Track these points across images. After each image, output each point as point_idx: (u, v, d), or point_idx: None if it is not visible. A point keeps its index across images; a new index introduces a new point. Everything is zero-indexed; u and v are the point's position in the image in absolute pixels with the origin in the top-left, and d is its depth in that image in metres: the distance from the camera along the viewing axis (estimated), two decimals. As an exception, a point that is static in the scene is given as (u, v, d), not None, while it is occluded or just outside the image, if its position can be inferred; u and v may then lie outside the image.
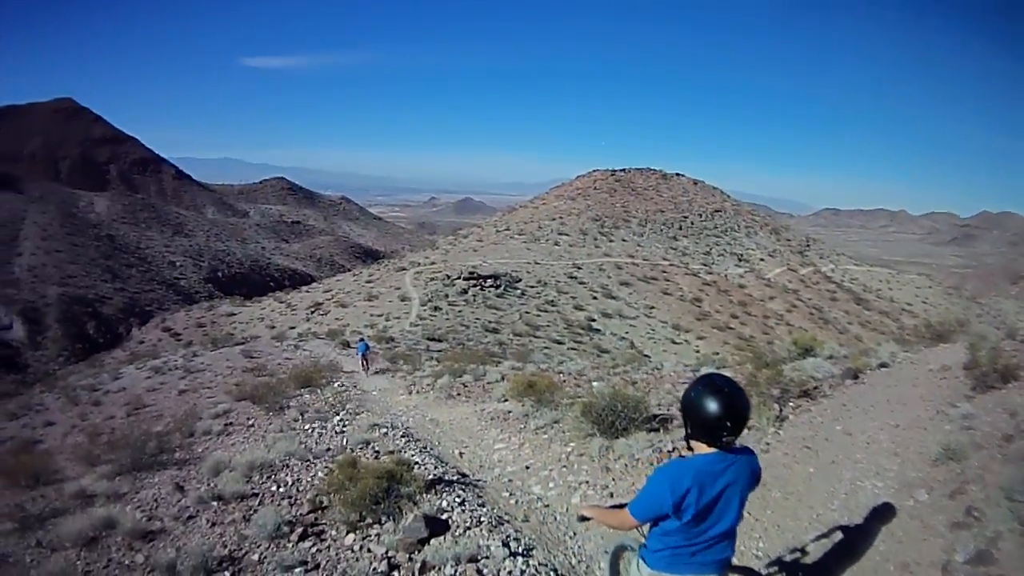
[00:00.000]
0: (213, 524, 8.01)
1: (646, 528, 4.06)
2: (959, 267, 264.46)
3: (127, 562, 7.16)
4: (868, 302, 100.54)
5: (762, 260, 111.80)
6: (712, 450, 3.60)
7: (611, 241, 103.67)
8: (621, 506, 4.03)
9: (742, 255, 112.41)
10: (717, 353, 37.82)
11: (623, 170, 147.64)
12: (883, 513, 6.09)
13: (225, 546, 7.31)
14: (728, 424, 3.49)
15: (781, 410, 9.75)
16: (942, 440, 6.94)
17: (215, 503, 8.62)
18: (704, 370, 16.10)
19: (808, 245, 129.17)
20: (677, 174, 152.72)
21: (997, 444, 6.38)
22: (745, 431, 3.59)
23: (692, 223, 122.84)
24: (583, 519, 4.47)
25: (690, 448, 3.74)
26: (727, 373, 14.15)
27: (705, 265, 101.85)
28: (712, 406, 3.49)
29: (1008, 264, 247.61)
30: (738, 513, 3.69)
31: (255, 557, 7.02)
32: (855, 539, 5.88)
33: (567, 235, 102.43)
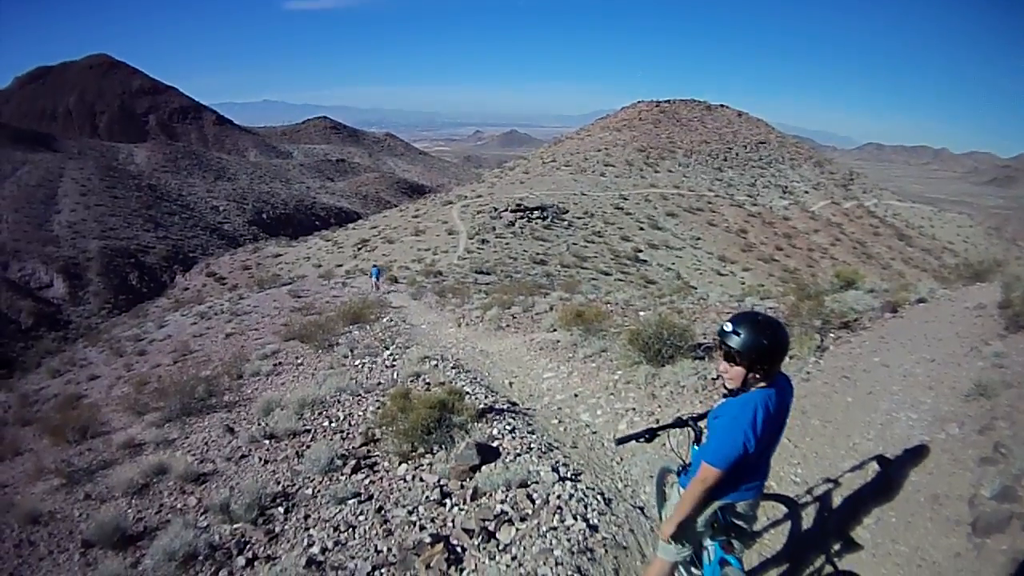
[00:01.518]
0: (266, 462, 8.19)
1: (684, 451, 4.25)
2: (1000, 208, 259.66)
3: (179, 505, 7.33)
4: (911, 238, 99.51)
5: (806, 193, 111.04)
6: (761, 384, 3.68)
7: (656, 172, 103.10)
8: (683, 469, 4.26)
9: (786, 187, 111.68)
10: (762, 285, 37.53)
11: (667, 101, 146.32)
12: (916, 445, 6.13)
13: (278, 483, 7.47)
14: (777, 358, 3.61)
15: (822, 340, 9.86)
16: (975, 377, 6.98)
17: (267, 441, 8.80)
18: (748, 301, 16.46)
19: (852, 179, 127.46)
20: (722, 105, 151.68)
21: (1026, 383, 6.40)
22: (787, 359, 3.65)
23: (737, 155, 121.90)
24: (622, 441, 4.44)
25: (733, 391, 3.76)
26: (771, 304, 14.61)
27: (750, 197, 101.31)
28: (778, 344, 3.59)
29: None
30: (779, 440, 3.82)
31: (308, 492, 7.17)
32: (888, 470, 5.96)
33: (613, 166, 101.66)
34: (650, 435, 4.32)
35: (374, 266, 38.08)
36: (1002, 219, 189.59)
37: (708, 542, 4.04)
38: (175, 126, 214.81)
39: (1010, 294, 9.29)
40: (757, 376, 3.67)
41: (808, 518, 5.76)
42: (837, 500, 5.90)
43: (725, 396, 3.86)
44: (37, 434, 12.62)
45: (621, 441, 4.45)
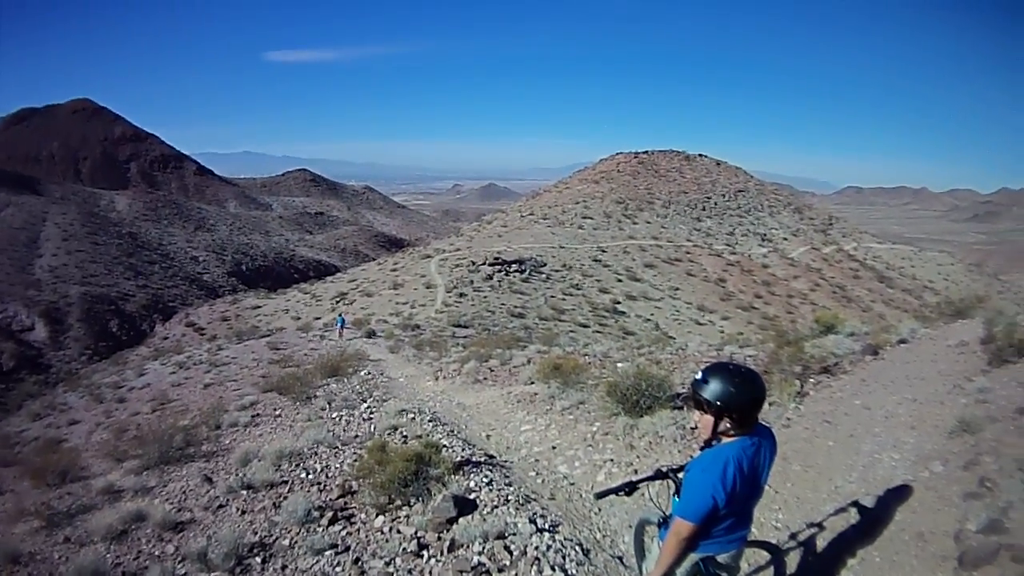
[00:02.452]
0: (243, 512, 8.13)
1: (663, 502, 4.21)
2: (981, 244, 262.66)
3: (157, 553, 7.27)
4: (891, 280, 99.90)
5: (785, 239, 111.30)
6: (738, 436, 3.67)
7: (635, 223, 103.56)
8: (665, 521, 4.26)
9: (765, 235, 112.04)
10: (741, 333, 37.79)
11: (646, 152, 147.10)
12: (900, 485, 6.16)
13: (256, 533, 7.41)
14: (750, 409, 3.61)
15: (802, 386, 9.88)
16: (958, 413, 7.02)
17: (244, 492, 8.74)
18: (728, 349, 16.32)
19: (831, 224, 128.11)
20: (700, 155, 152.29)
21: (1011, 417, 6.46)
22: (767, 406, 3.65)
23: (716, 204, 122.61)
24: (601, 495, 4.43)
25: (712, 441, 3.77)
26: (750, 352, 14.52)
27: (729, 245, 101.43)
28: (749, 392, 3.60)
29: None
30: (762, 493, 3.81)
31: (286, 542, 7.13)
32: (872, 510, 5.97)
33: (591, 218, 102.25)
34: (629, 488, 4.34)
35: (340, 316, 40.73)
36: (983, 254, 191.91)
37: None
38: (156, 174, 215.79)
39: (992, 329, 9.39)
40: (728, 426, 3.67)
41: (792, 563, 5.76)
42: (820, 543, 5.93)
43: (702, 448, 3.85)
44: (18, 476, 12.55)
45: (600, 495, 4.44)
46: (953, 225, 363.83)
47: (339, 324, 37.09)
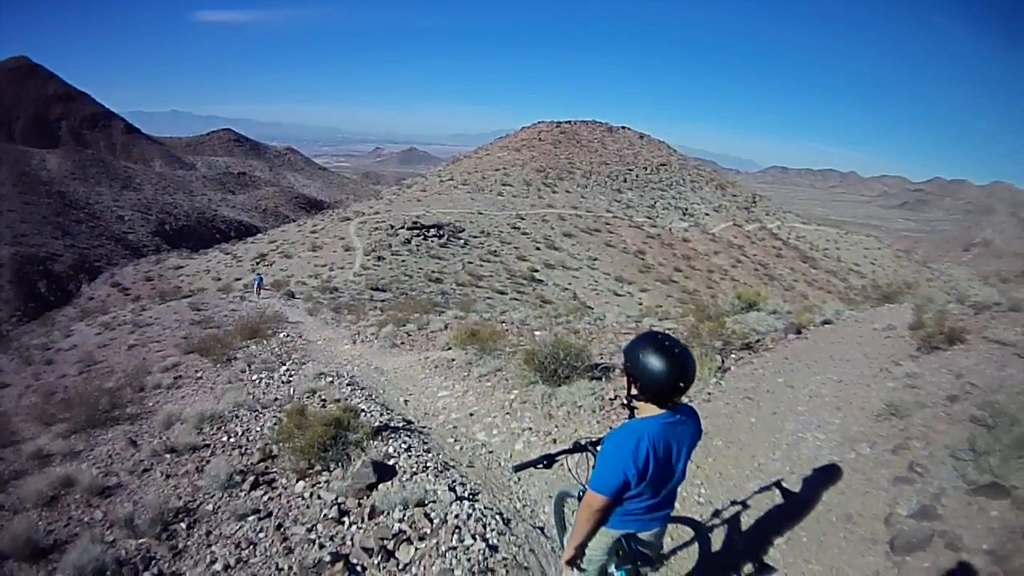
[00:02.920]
0: (167, 476, 8.11)
1: (582, 475, 4.17)
2: (910, 231, 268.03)
3: (87, 519, 7.18)
4: (815, 260, 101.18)
5: (707, 215, 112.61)
6: (659, 411, 3.56)
7: (555, 192, 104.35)
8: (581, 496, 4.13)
9: (687, 209, 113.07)
10: (660, 306, 37.99)
11: (568, 122, 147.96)
12: (825, 465, 6.26)
13: (180, 498, 7.39)
14: (680, 384, 3.43)
15: (723, 361, 9.96)
16: (885, 397, 7.12)
17: (168, 456, 8.71)
18: (647, 322, 16.43)
19: (754, 202, 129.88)
20: (623, 127, 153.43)
21: (942, 403, 6.55)
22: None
23: (637, 176, 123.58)
24: (519, 468, 4.32)
25: (631, 408, 3.72)
26: (670, 325, 14.49)
27: (649, 218, 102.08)
28: (663, 367, 3.41)
29: (961, 232, 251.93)
30: (684, 470, 3.73)
31: (209, 507, 7.11)
32: (798, 490, 6.07)
33: (511, 186, 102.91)
34: (548, 461, 4.25)
35: (258, 275, 41.50)
36: (912, 242, 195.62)
37: (613, 570, 4.05)
38: (85, 133, 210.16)
39: (922, 315, 9.51)
40: (636, 393, 3.62)
41: (717, 540, 5.79)
42: (746, 521, 5.98)
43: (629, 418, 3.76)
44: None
45: (519, 468, 4.36)
46: (881, 211, 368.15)
47: (256, 283, 38.13)
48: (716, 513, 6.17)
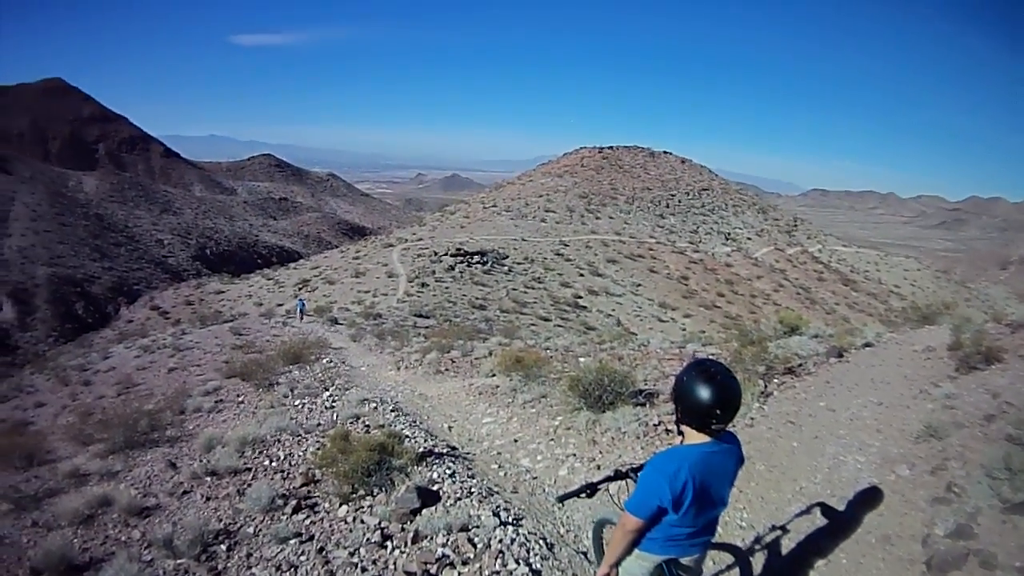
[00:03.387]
0: (208, 499, 8.12)
1: (623, 502, 4.18)
2: (948, 251, 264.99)
3: (124, 538, 7.23)
4: (856, 283, 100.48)
5: (749, 239, 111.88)
6: (703, 438, 3.61)
7: (598, 219, 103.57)
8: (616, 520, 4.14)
9: (729, 234, 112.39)
10: (703, 331, 37.93)
11: (610, 148, 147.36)
12: (865, 487, 6.18)
13: (220, 520, 7.41)
14: (719, 412, 3.48)
15: (766, 386, 9.87)
16: (924, 418, 7.02)
17: (209, 478, 8.72)
18: (690, 347, 16.24)
19: (796, 225, 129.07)
20: (665, 152, 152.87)
21: (979, 423, 6.47)
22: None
23: (679, 201, 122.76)
24: (563, 498, 4.43)
25: (680, 432, 3.75)
26: (713, 350, 14.34)
27: (692, 244, 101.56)
28: (704, 393, 3.47)
29: (997, 249, 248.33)
30: (727, 499, 3.77)
31: (250, 530, 7.13)
32: (837, 512, 5.99)
33: (554, 212, 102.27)
34: (591, 490, 4.31)
35: (300, 300, 42.03)
36: (951, 262, 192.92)
37: None
38: (123, 156, 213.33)
39: (960, 336, 9.37)
40: (678, 418, 3.69)
41: (757, 564, 5.76)
42: (786, 544, 5.92)
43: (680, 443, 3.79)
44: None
45: (563, 498, 4.43)
46: (920, 231, 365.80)
47: (299, 307, 38.47)
48: (757, 539, 6.11)
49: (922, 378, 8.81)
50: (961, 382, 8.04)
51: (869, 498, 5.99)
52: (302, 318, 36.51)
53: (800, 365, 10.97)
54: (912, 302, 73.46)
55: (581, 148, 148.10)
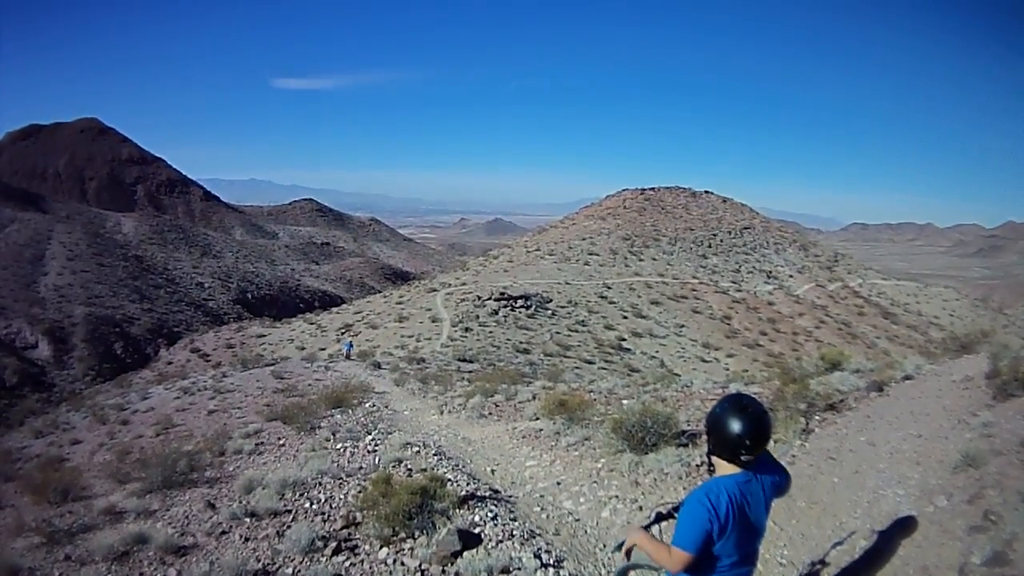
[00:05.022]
0: (246, 539, 8.13)
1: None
2: (986, 278, 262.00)
3: (159, 575, 7.29)
4: (896, 316, 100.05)
5: (791, 276, 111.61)
6: (734, 469, 3.67)
7: (641, 260, 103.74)
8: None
9: (771, 272, 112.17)
10: (746, 370, 37.77)
11: (652, 189, 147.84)
12: (904, 519, 6.14)
13: (259, 560, 7.42)
14: (748, 443, 3.55)
15: (807, 423, 9.82)
16: (962, 448, 6.95)
17: (248, 519, 8.74)
18: (733, 387, 16.17)
19: (836, 260, 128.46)
20: (706, 192, 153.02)
21: (1015, 450, 6.41)
22: (771, 443, 3.61)
23: (721, 240, 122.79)
24: (620, 547, 4.30)
25: (711, 465, 3.80)
26: (755, 389, 14.28)
27: (735, 283, 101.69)
28: (732, 424, 3.56)
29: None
30: (764, 526, 3.78)
31: (289, 571, 7.13)
32: (876, 545, 5.96)
33: (597, 255, 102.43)
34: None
35: (348, 342, 47.34)
36: (988, 289, 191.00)
37: None
38: (162, 198, 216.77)
39: (997, 363, 9.26)
40: (710, 449, 3.76)
41: None
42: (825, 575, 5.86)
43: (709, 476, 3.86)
44: (18, 491, 12.67)
45: (619, 547, 4.32)
46: (958, 260, 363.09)
47: (347, 349, 42.37)
48: (798, 573, 6.12)
49: (960, 408, 8.75)
50: (999, 410, 7.99)
51: (907, 529, 5.96)
52: (348, 358, 39.63)
53: (841, 401, 10.95)
54: (951, 332, 72.64)
55: (623, 190, 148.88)
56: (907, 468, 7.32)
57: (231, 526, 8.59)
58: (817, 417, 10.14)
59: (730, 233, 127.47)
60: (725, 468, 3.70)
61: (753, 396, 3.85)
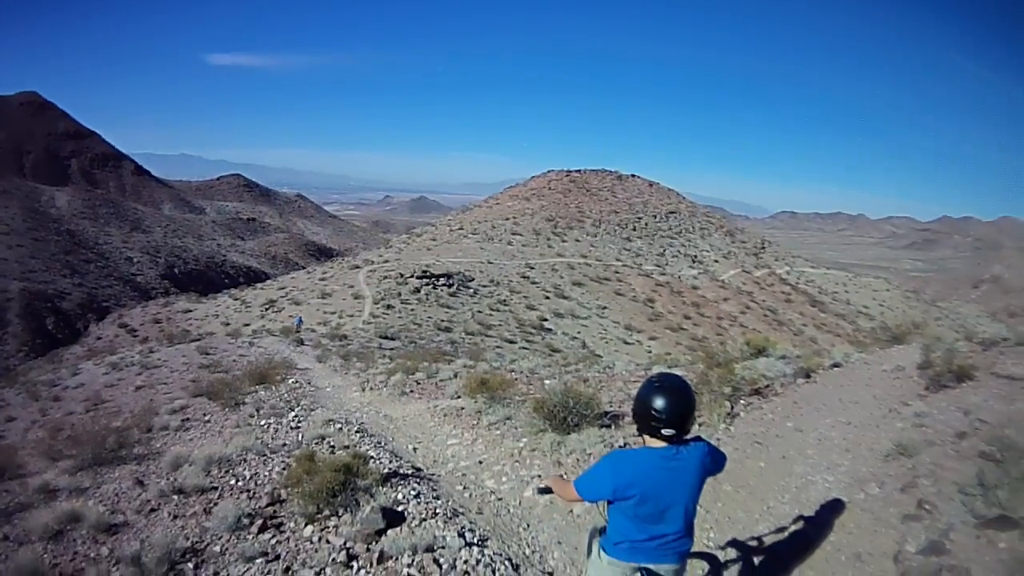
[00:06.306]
0: (175, 517, 8.05)
1: (604, 510, 4.17)
2: (919, 271, 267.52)
3: (93, 555, 7.17)
4: (824, 304, 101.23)
5: (716, 262, 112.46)
6: (658, 443, 3.77)
7: (564, 241, 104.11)
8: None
9: (696, 257, 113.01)
10: (669, 353, 38.24)
11: (578, 171, 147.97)
12: (834, 506, 6.28)
13: (187, 538, 7.33)
14: (665, 418, 3.67)
15: (732, 407, 9.91)
16: (894, 437, 7.12)
17: (176, 496, 8.66)
18: (656, 369, 16.24)
19: (763, 247, 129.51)
20: (632, 175, 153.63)
21: (950, 441, 6.54)
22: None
23: (646, 224, 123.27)
24: (543, 491, 4.62)
25: (644, 441, 3.89)
26: (679, 372, 13.98)
27: (659, 266, 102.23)
28: (651, 401, 3.69)
29: (970, 268, 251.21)
30: (693, 505, 3.85)
31: (217, 549, 7.08)
32: (807, 530, 6.06)
33: (520, 235, 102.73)
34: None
35: (299, 316, 48.68)
36: (921, 282, 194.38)
37: None
38: (96, 173, 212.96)
39: (930, 354, 9.50)
40: (647, 434, 3.83)
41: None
42: (755, 563, 5.96)
43: None
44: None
45: (541, 491, 4.75)
46: (890, 252, 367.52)
47: (297, 323, 44.20)
48: (730, 543, 6.18)
49: (892, 397, 8.93)
50: (931, 400, 8.16)
51: (839, 517, 6.05)
52: (299, 331, 40.67)
53: (767, 386, 11.07)
54: (881, 322, 74.07)
55: (549, 171, 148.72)
56: (837, 455, 7.48)
57: (160, 503, 8.50)
58: (743, 402, 10.27)
59: (655, 217, 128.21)
60: (651, 443, 3.80)
61: (677, 375, 3.93)
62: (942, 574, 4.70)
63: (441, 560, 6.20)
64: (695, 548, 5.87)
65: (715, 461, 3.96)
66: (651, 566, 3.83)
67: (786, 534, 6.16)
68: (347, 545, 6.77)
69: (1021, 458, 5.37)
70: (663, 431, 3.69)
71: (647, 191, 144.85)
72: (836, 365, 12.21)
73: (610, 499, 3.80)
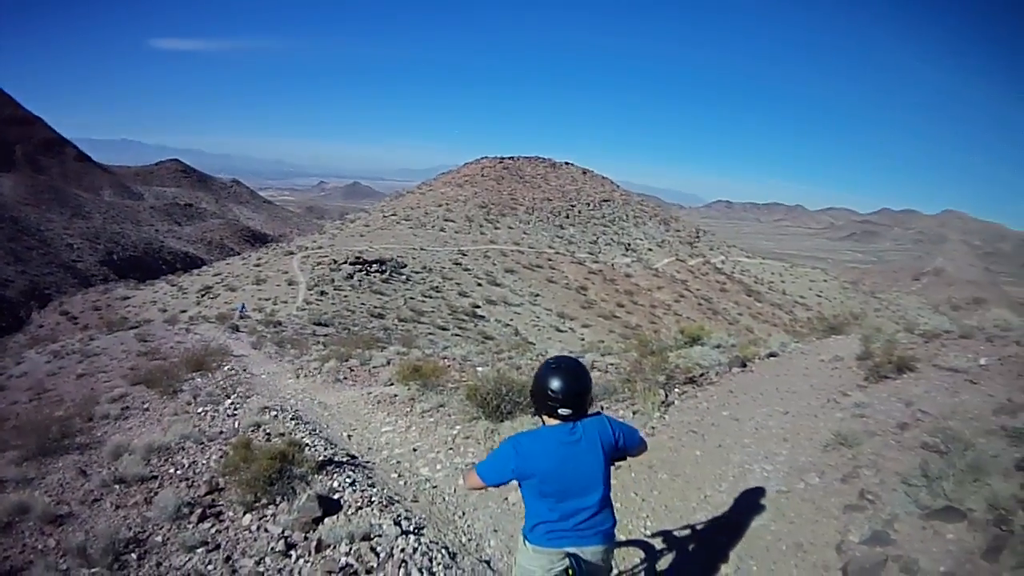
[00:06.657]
0: (117, 507, 8.00)
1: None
2: (858, 263, 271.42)
3: (40, 547, 7.12)
4: (759, 294, 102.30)
5: (650, 250, 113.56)
6: (556, 422, 3.85)
7: (497, 228, 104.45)
8: None
9: (629, 245, 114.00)
10: (602, 341, 38.42)
11: (511, 158, 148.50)
12: (774, 496, 6.23)
13: (130, 528, 7.31)
14: (562, 398, 3.77)
15: (667, 396, 9.92)
16: (834, 427, 7.13)
17: (118, 486, 8.60)
18: (588, 357, 16.44)
19: (698, 236, 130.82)
20: (566, 163, 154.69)
21: (892, 432, 6.59)
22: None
23: (580, 212, 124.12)
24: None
25: (543, 422, 3.97)
26: (612, 360, 14.59)
27: (591, 254, 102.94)
28: (547, 382, 3.79)
29: (912, 261, 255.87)
30: (604, 480, 3.87)
31: (159, 538, 7.06)
32: (746, 519, 6.08)
33: (453, 222, 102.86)
34: None
35: (242, 303, 48.94)
36: (861, 273, 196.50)
37: None
38: (40, 158, 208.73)
39: (869, 345, 9.59)
40: (544, 414, 3.93)
41: (665, 564, 5.85)
42: (692, 551, 6.00)
43: None
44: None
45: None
46: (828, 243, 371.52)
47: (240, 309, 44.46)
48: (664, 541, 6.17)
49: (830, 388, 8.95)
50: (872, 391, 8.21)
51: (778, 506, 6.06)
52: (243, 317, 41.36)
53: (702, 375, 11.11)
54: (819, 312, 75.20)
55: (482, 158, 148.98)
56: (774, 445, 7.46)
57: (102, 493, 8.45)
58: (677, 390, 10.28)
59: (589, 205, 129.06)
60: (550, 423, 3.89)
61: (572, 357, 4.11)
62: (888, 564, 4.73)
63: (378, 548, 6.23)
64: (631, 536, 5.90)
65: (625, 436, 3.99)
66: (575, 550, 3.81)
67: (724, 523, 6.18)
68: (285, 534, 6.80)
69: (966, 450, 5.41)
70: (560, 411, 3.79)
71: (581, 179, 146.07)
72: (773, 354, 12.26)
73: (513, 479, 3.85)
